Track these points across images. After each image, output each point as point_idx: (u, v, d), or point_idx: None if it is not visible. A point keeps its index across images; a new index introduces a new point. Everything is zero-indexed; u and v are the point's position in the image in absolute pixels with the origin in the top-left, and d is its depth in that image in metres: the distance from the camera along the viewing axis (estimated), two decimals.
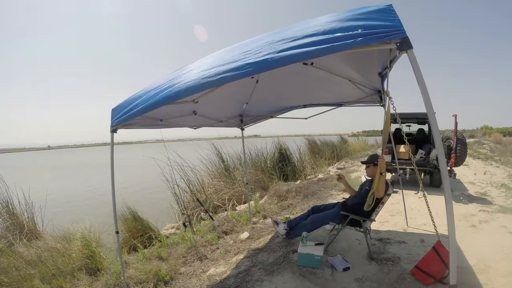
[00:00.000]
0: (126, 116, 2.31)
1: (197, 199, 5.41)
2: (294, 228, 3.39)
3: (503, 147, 16.08)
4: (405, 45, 1.50)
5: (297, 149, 10.96)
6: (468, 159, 9.70)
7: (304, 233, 3.11)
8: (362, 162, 3.31)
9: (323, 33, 1.55)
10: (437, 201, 4.61)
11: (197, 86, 1.79)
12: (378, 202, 2.96)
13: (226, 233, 4.41)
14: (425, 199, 2.89)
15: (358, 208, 3.02)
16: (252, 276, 2.85)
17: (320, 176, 8.58)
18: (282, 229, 3.47)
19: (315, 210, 3.47)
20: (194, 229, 4.25)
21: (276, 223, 3.57)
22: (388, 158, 6.16)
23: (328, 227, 3.51)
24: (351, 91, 3.43)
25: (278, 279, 2.73)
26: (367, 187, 3.11)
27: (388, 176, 7.02)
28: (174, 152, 6.25)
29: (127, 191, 9.32)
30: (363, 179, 4.88)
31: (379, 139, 13.44)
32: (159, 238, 4.34)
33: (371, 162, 3.15)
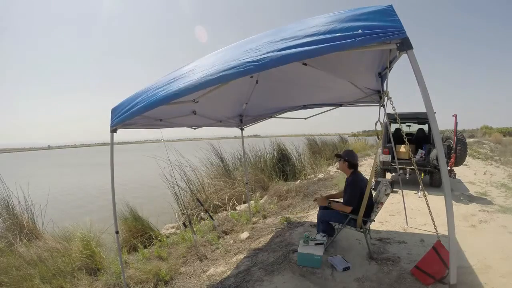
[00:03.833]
0: (125, 115, 2.31)
1: (197, 199, 5.42)
2: (319, 227, 3.36)
3: (503, 147, 16.09)
4: (405, 45, 1.50)
5: (296, 149, 10.96)
6: (468, 159, 9.71)
7: (305, 234, 3.13)
8: (336, 155, 3.48)
9: (324, 33, 1.55)
10: (437, 201, 4.62)
11: (197, 84, 1.78)
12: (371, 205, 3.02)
13: (226, 233, 4.41)
14: (425, 199, 2.89)
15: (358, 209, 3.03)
16: (252, 276, 2.85)
17: (320, 176, 8.58)
18: (320, 237, 3.16)
19: (321, 207, 3.46)
20: (194, 229, 4.26)
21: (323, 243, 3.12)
22: (388, 158, 6.16)
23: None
24: (351, 91, 3.43)
25: (278, 279, 2.73)
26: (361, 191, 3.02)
27: (388, 176, 7.03)
28: (175, 152, 6.24)
29: (127, 191, 9.32)
30: None
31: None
32: (159, 238, 4.35)
33: (342, 157, 3.22)
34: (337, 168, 3.33)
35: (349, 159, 3.16)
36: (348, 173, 3.21)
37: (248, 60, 1.64)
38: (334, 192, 3.89)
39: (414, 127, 8.07)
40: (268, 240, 3.79)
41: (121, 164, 19.93)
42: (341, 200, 3.24)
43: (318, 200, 3.39)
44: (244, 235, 4.08)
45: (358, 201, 2.95)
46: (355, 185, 3.03)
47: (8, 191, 5.25)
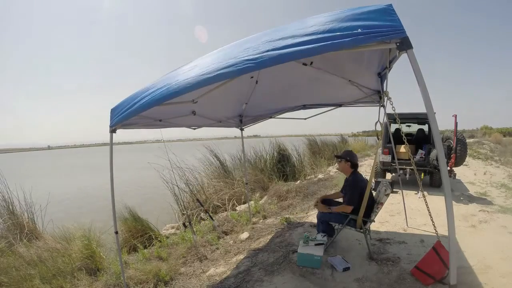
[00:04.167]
0: (124, 115, 2.31)
1: (197, 199, 5.41)
2: (319, 227, 3.37)
3: (503, 147, 16.10)
4: (405, 45, 1.50)
5: (296, 149, 10.95)
6: (468, 159, 9.70)
7: (305, 234, 3.13)
8: (336, 156, 3.41)
9: (323, 32, 1.54)
10: (437, 201, 4.62)
11: (194, 83, 1.78)
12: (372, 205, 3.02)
13: (226, 233, 4.41)
14: (425, 200, 2.89)
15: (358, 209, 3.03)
16: (252, 276, 2.84)
17: (320, 176, 8.57)
18: (321, 237, 3.21)
19: (325, 202, 3.47)
20: (194, 229, 4.25)
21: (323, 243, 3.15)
22: (388, 158, 6.16)
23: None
24: (351, 91, 3.43)
25: (278, 279, 2.72)
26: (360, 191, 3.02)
27: (388, 176, 7.03)
28: (174, 153, 6.23)
29: (127, 191, 9.31)
30: None
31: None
32: (159, 238, 4.35)
33: (344, 157, 3.19)
34: (337, 169, 3.32)
35: (351, 159, 3.18)
36: (348, 173, 3.22)
37: (246, 58, 1.64)
38: (332, 193, 3.88)
39: (414, 127, 8.07)
40: (268, 240, 3.78)
41: (121, 165, 19.92)
42: (340, 200, 3.24)
43: (319, 207, 3.32)
44: (244, 235, 4.07)
45: (358, 201, 2.95)
46: (356, 185, 3.04)
47: (9, 192, 5.25)
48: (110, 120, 2.52)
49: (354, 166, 3.20)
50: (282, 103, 4.28)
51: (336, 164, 10.39)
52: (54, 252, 3.75)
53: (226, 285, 2.77)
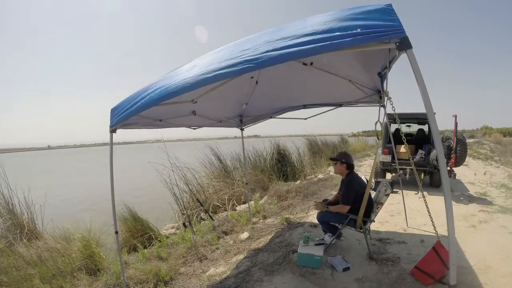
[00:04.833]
0: (124, 115, 2.31)
1: (197, 199, 5.41)
2: (323, 227, 3.39)
3: (503, 147, 16.09)
4: (404, 45, 1.50)
5: (296, 149, 10.94)
6: (468, 159, 9.69)
7: (305, 234, 3.13)
8: (331, 159, 3.39)
9: (322, 32, 1.54)
10: (437, 201, 4.62)
11: (193, 83, 1.78)
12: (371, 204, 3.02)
13: (226, 233, 4.41)
14: (424, 200, 2.89)
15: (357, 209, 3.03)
16: (252, 276, 2.85)
17: (320, 176, 8.57)
18: (328, 238, 3.28)
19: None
20: (194, 229, 4.26)
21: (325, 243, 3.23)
22: (388, 158, 6.16)
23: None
24: (351, 91, 3.42)
25: (278, 279, 2.72)
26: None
27: (388, 176, 7.02)
28: (174, 155, 6.22)
29: (127, 191, 9.31)
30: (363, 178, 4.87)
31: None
32: (159, 238, 4.35)
33: (339, 159, 3.20)
34: (335, 172, 3.35)
35: (347, 161, 3.18)
36: (344, 174, 3.23)
37: (246, 58, 1.64)
38: (331, 197, 3.86)
39: (414, 127, 8.07)
40: (268, 240, 3.78)
41: (121, 165, 19.92)
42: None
43: (317, 206, 3.32)
44: (244, 235, 4.07)
45: (353, 201, 2.96)
46: (350, 185, 3.06)
47: (10, 191, 5.24)
48: (110, 120, 2.52)
49: (350, 167, 3.21)
50: (282, 103, 4.28)
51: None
52: (54, 252, 3.75)
53: (226, 285, 2.77)
